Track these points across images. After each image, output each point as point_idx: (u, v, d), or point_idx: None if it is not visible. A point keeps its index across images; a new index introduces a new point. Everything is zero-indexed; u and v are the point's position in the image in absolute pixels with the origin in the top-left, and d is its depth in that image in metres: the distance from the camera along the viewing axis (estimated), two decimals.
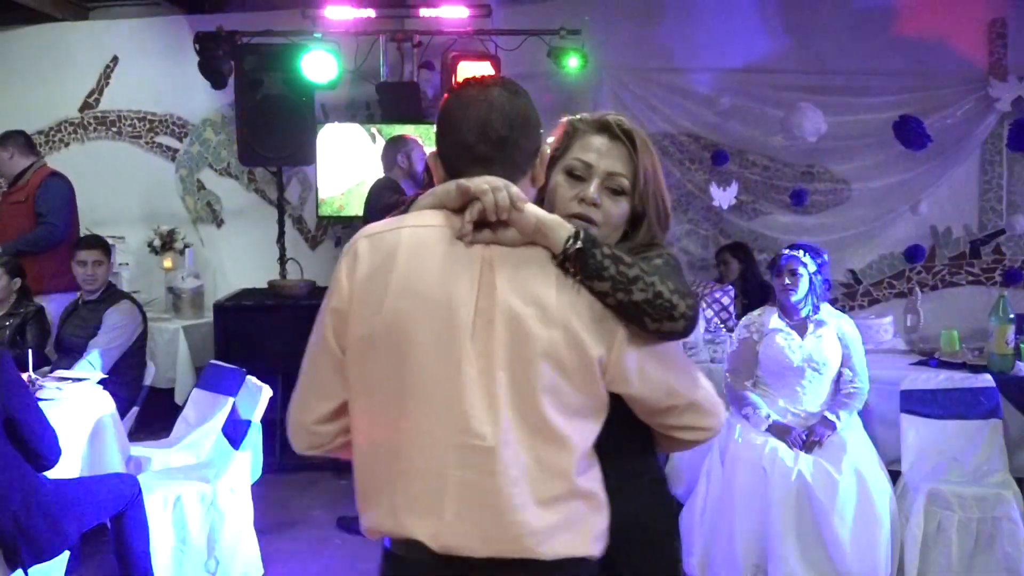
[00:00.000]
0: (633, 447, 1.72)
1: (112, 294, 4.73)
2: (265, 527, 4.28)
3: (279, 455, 5.61)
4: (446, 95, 1.67)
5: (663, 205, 1.78)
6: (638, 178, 1.74)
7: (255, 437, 4.01)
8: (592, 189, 1.71)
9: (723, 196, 5.83)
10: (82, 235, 5.20)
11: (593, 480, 1.57)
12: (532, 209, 1.54)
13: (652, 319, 1.52)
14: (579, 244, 1.51)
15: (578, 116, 1.81)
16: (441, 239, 1.54)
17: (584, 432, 1.54)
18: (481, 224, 1.52)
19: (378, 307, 1.52)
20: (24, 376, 3.65)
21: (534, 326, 1.49)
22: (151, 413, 5.33)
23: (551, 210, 1.68)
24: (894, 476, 3.80)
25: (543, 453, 1.49)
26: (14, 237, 5.20)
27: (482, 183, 1.51)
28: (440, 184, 1.62)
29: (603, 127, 1.76)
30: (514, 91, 1.64)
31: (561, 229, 1.52)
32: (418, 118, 5.92)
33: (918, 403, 4.00)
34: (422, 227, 1.56)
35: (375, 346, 1.53)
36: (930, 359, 4.47)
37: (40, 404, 3.44)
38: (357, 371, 1.57)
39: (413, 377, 1.51)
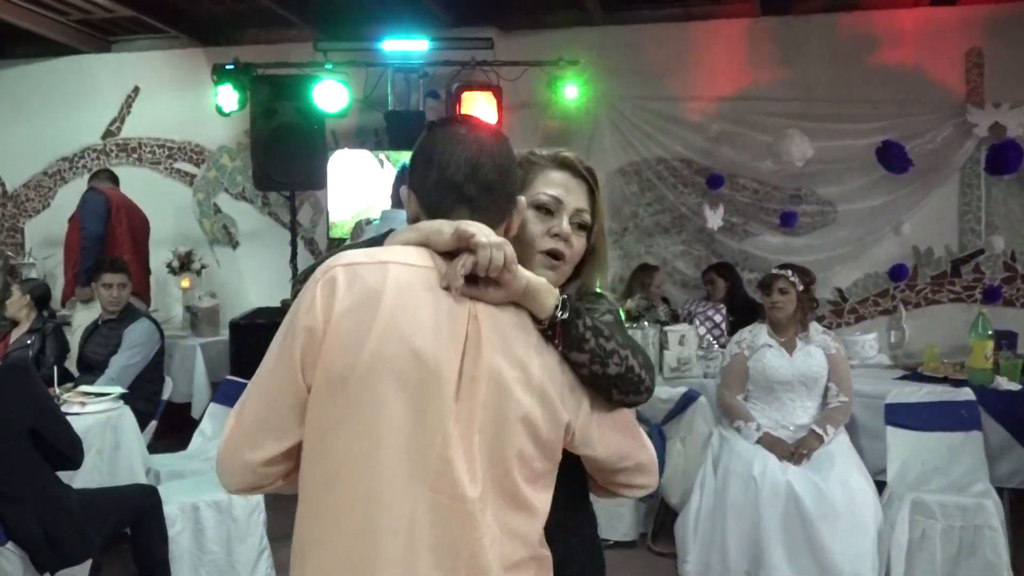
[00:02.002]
0: (568, 501, 1.57)
1: (131, 312, 4.75)
2: (278, 536, 4.27)
3: None
4: (428, 128, 1.53)
5: (605, 245, 1.71)
6: (596, 215, 1.66)
7: None
8: (564, 224, 1.61)
9: (714, 217, 5.86)
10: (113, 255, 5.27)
11: (545, 544, 1.48)
12: (523, 271, 1.42)
13: (620, 391, 1.47)
14: (565, 314, 1.42)
15: (529, 151, 1.69)
16: (428, 284, 1.39)
17: (545, 499, 1.45)
18: (468, 276, 1.39)
19: (358, 347, 1.34)
20: (49, 391, 3.68)
21: (516, 390, 1.38)
22: (170, 426, 5.34)
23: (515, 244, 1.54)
24: (880, 486, 3.80)
25: (511, 519, 1.39)
26: (70, 253, 5.55)
27: (482, 236, 1.38)
28: (418, 220, 1.49)
29: (565, 164, 1.66)
30: (501, 137, 1.53)
31: (549, 296, 1.43)
32: None
33: (902, 416, 4.01)
34: (408, 266, 1.39)
35: (347, 389, 1.34)
36: (913, 374, 4.48)
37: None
38: (319, 412, 1.36)
39: (389, 430, 1.34)
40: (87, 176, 6.87)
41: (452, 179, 1.45)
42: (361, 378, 1.33)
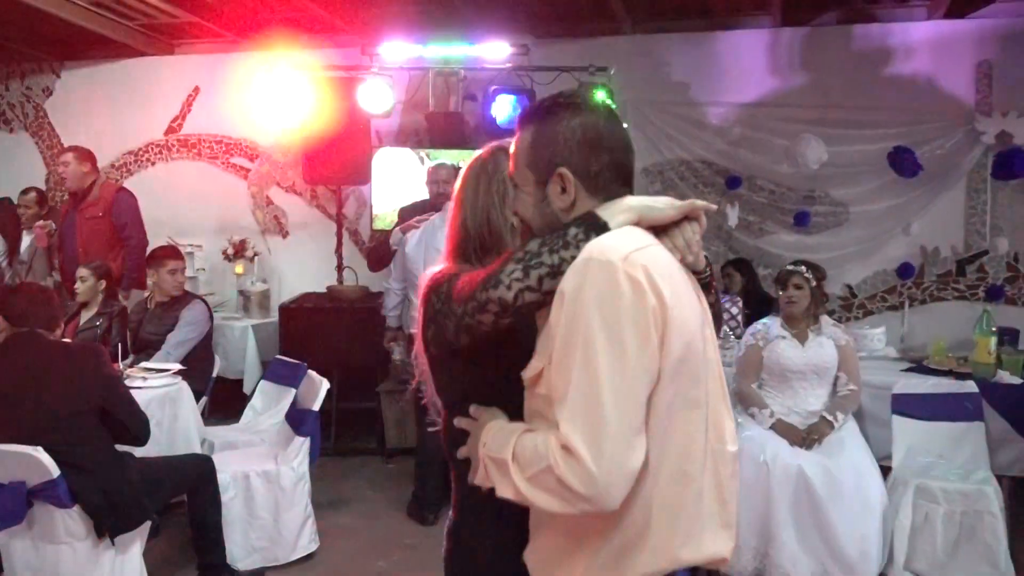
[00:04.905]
0: None
1: (183, 295, 4.80)
2: (321, 504, 4.31)
3: (333, 440, 5.65)
4: (571, 109, 1.42)
5: None
6: None
7: (314, 424, 4.04)
8: None
9: (732, 216, 5.81)
10: (163, 244, 5.31)
11: None
12: None
13: (718, 324, 1.61)
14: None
15: None
16: (674, 259, 1.41)
17: None
18: None
19: (683, 326, 1.29)
20: (114, 367, 3.73)
21: (713, 345, 1.45)
22: (223, 401, 5.40)
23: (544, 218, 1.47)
24: (885, 472, 3.76)
25: None
26: (98, 250, 5.44)
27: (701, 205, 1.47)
28: (574, 203, 1.40)
29: None
30: None
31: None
32: (462, 144, 5.95)
33: (908, 406, 3.96)
34: (659, 247, 1.38)
35: (681, 369, 1.30)
36: (919, 366, 4.42)
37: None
38: (663, 395, 1.29)
39: (706, 396, 1.36)
40: (150, 169, 6.99)
41: (621, 161, 1.43)
42: (688, 357, 1.31)
